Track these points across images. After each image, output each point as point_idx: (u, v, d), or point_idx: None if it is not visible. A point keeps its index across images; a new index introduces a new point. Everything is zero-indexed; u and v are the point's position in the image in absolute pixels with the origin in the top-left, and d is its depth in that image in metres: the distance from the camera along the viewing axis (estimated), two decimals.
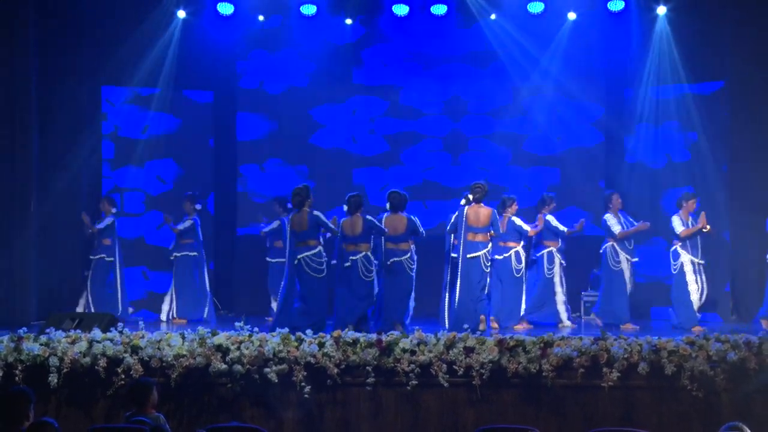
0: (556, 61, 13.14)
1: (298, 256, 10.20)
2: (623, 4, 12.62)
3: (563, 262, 11.70)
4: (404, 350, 8.35)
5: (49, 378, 8.19)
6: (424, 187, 13.57)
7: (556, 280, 11.61)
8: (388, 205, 10.41)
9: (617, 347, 8.25)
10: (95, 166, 13.12)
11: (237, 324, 8.89)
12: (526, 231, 11.42)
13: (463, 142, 13.66)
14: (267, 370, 8.25)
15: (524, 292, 11.44)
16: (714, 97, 12.53)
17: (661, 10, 12.45)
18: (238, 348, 8.34)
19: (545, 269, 11.56)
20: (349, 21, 13.26)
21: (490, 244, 10.50)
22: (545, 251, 11.59)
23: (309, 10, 13.00)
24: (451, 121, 13.66)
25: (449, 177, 13.63)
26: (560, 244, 11.65)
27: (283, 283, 10.30)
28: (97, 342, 8.40)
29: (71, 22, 12.28)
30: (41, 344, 8.40)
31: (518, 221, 11.45)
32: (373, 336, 8.49)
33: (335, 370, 8.28)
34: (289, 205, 11.16)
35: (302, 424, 8.36)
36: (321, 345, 8.38)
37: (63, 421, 8.07)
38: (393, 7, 13.02)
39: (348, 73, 13.71)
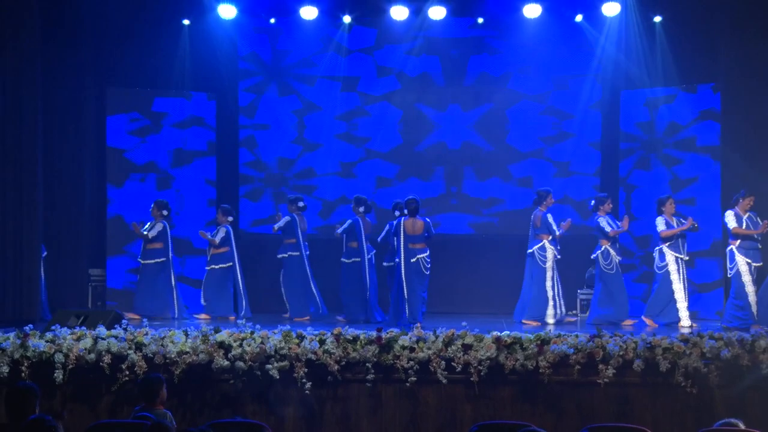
0: (552, 63, 13.17)
1: (418, 256, 11.03)
2: (620, 7, 12.57)
3: (558, 255, 11.66)
4: (403, 347, 8.34)
5: (55, 374, 8.18)
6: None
7: (549, 274, 11.62)
8: (405, 210, 11.22)
9: (613, 344, 8.25)
10: (99, 166, 13.11)
11: (239, 321, 8.85)
12: (554, 229, 11.49)
13: (463, 140, 13.62)
14: (268, 366, 8.24)
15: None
16: (706, 99, 12.50)
17: (657, 18, 12.49)
18: (240, 345, 8.33)
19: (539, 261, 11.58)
20: (347, 19, 13.18)
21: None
22: (537, 246, 11.61)
23: (309, 13, 12.94)
24: (450, 120, 13.60)
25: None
26: (551, 238, 11.63)
27: (397, 281, 11.10)
28: (102, 339, 8.40)
29: (77, 25, 12.23)
30: (47, 341, 8.40)
31: (550, 218, 11.55)
32: (373, 333, 8.48)
33: (336, 367, 8.27)
34: None
35: (303, 420, 8.36)
36: (322, 342, 8.37)
37: (68, 415, 8.06)
38: (391, 9, 12.94)
39: (348, 74, 13.60)
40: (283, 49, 13.63)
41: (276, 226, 12.13)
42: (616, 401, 8.27)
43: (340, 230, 11.97)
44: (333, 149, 13.66)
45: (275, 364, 8.25)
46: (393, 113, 13.64)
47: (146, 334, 8.55)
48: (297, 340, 8.41)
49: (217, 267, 12.20)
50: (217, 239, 12.15)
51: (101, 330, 8.55)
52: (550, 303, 11.54)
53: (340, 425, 8.40)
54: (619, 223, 11.51)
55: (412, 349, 8.33)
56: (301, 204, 12.20)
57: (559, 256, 11.64)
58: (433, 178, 13.58)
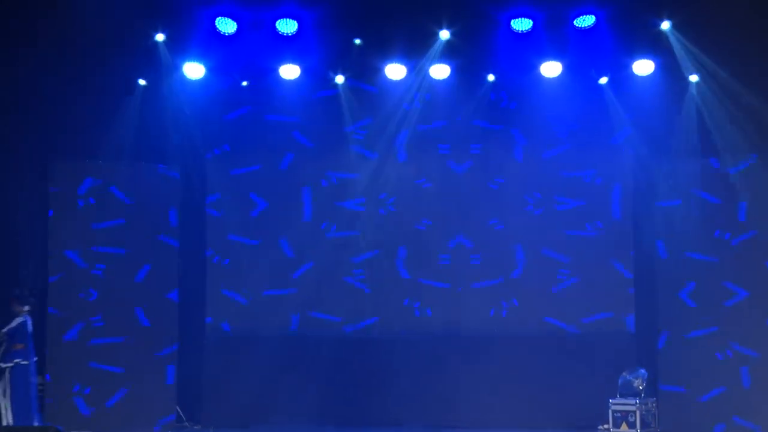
0: (575, 124, 11.23)
1: None
2: (653, 66, 10.52)
3: None
4: None
5: None
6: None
7: None
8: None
9: None
10: (40, 245, 11.09)
11: None
12: None
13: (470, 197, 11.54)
14: None
15: None
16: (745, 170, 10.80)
17: (693, 77, 10.56)
18: None
19: None
20: (340, 79, 11.17)
21: None
22: None
23: (291, 72, 10.80)
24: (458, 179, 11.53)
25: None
26: None
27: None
28: None
29: (17, 97, 10.48)
30: None
31: None
32: None
33: None
34: None
35: None
36: None
37: None
38: (386, 68, 10.84)
39: (335, 136, 11.55)
40: (260, 111, 11.46)
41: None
42: None
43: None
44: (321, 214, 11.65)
45: None
46: (386, 182, 11.58)
47: None
48: None
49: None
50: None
51: None
52: None
53: None
54: None
55: None
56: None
57: None
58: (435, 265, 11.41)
